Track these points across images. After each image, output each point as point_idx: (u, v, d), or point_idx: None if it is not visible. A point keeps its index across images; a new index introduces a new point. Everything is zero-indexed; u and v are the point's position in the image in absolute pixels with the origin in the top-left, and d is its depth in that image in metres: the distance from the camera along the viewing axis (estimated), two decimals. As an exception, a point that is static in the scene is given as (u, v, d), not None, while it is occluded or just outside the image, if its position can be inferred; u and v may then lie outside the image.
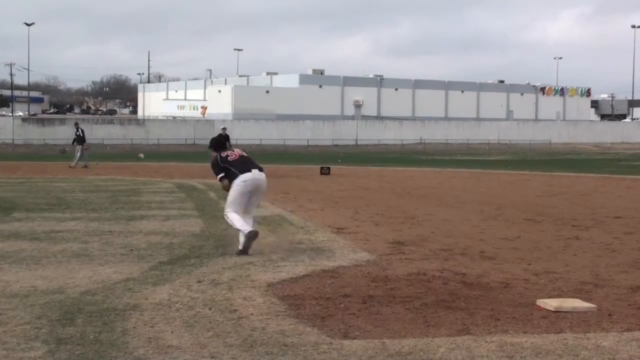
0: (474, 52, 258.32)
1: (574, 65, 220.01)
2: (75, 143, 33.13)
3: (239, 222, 9.91)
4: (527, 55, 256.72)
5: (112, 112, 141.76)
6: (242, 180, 10.02)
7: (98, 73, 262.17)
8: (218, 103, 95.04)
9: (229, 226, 10.32)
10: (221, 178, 10.22)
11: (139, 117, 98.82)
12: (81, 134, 32.88)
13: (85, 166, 31.78)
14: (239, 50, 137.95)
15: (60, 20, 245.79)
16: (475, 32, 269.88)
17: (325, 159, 43.72)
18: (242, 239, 9.92)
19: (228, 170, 10.18)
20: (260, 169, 10.25)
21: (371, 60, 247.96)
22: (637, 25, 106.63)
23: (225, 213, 10.20)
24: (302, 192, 20.49)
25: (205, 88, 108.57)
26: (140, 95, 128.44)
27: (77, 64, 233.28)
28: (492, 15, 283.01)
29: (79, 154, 32.47)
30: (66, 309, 6.80)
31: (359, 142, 75.74)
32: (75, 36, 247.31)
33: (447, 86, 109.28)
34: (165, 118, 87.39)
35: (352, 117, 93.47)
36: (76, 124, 35.76)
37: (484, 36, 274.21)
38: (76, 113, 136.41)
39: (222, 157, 10.25)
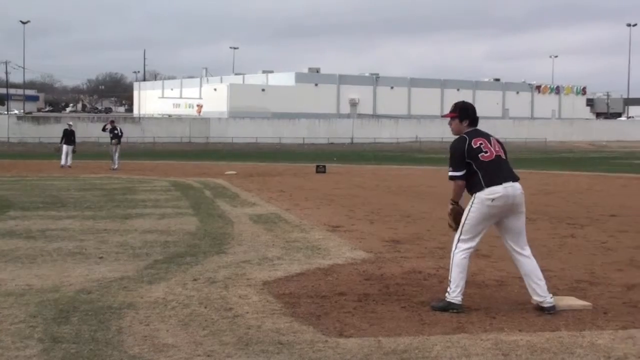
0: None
1: (570, 64, 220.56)
2: (112, 141, 31.33)
3: (461, 275, 6.87)
4: (523, 53, 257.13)
5: (107, 110, 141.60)
6: (489, 198, 6.82)
7: (94, 71, 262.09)
8: (214, 101, 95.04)
9: (525, 274, 6.99)
10: (456, 177, 6.94)
11: (134, 115, 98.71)
12: (119, 133, 31.42)
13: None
14: (234, 48, 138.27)
15: (58, 16, 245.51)
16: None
17: (321, 157, 43.71)
18: (453, 292, 6.85)
19: (471, 170, 6.91)
20: (516, 178, 7.08)
21: (370, 59, 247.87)
22: (632, 24, 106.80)
23: (455, 242, 6.98)
24: (298, 191, 20.48)
25: (200, 86, 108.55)
26: (135, 93, 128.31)
27: (73, 62, 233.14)
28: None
29: (117, 154, 31.06)
30: (61, 307, 6.79)
31: (354, 141, 75.77)
32: (73, 35, 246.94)
33: (443, 84, 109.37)
34: (160, 116, 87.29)
35: (348, 116, 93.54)
36: (112, 122, 33.13)
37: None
38: (72, 111, 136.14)
39: (473, 147, 6.90)
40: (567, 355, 5.52)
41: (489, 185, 6.82)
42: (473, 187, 6.92)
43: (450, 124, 7.22)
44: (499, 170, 6.91)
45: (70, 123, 36.33)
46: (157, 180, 24.17)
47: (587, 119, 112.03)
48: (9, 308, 6.77)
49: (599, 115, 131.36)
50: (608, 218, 14.36)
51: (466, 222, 6.93)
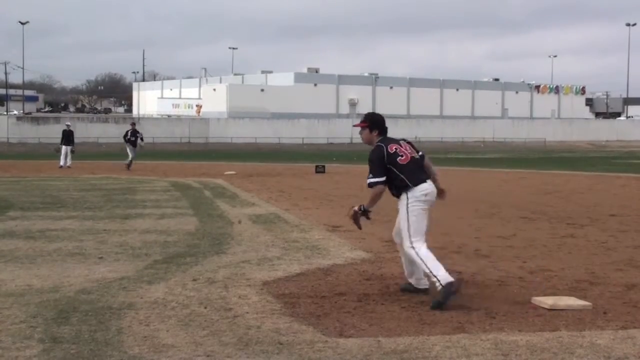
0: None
1: (569, 64, 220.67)
2: (128, 143, 31.56)
3: (434, 263, 7.21)
4: (523, 53, 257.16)
5: (107, 110, 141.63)
6: (422, 193, 7.39)
7: (93, 71, 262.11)
8: (213, 101, 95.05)
9: (412, 262, 7.59)
10: (377, 183, 7.53)
11: (133, 116, 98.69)
12: (139, 135, 31.52)
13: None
14: (233, 48, 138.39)
15: (57, 17, 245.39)
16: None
17: (320, 157, 43.70)
18: (441, 277, 7.10)
19: (391, 175, 7.47)
20: (429, 177, 7.63)
21: (369, 59, 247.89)
22: (631, 24, 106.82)
23: (410, 246, 7.44)
24: (297, 191, 20.48)
25: (200, 86, 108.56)
26: (135, 93, 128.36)
27: (72, 62, 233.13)
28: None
29: (132, 153, 31.24)
30: (61, 307, 6.79)
31: (354, 141, 75.72)
32: (72, 35, 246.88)
33: (442, 84, 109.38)
34: (160, 117, 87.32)
35: (347, 116, 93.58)
36: (133, 124, 33.49)
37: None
38: (71, 111, 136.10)
39: (390, 152, 7.46)
40: (567, 355, 5.52)
41: (416, 184, 7.40)
42: (400, 188, 7.46)
43: (361, 133, 7.83)
44: (418, 170, 7.50)
45: (69, 123, 36.29)
46: (156, 180, 24.17)
47: (586, 118, 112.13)
48: (9, 308, 6.77)
49: (598, 115, 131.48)
50: (608, 218, 14.35)
51: (411, 224, 7.46)
